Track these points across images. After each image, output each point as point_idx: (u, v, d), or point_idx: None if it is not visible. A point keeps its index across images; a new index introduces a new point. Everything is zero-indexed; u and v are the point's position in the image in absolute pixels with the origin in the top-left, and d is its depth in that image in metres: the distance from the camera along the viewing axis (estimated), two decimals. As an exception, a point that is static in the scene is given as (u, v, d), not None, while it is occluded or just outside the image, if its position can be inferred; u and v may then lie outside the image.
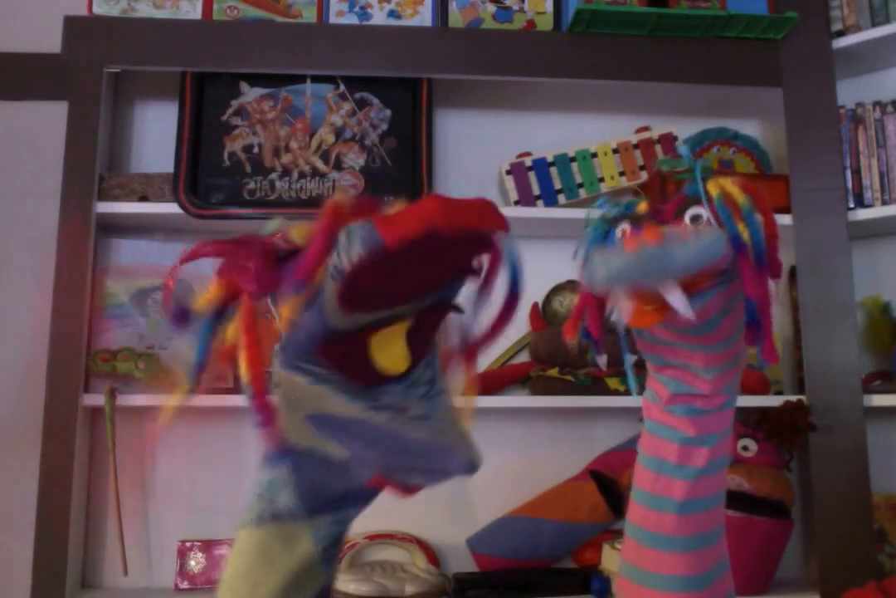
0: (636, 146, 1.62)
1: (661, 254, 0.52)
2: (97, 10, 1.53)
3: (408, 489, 0.53)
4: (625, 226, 0.61)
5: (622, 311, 0.58)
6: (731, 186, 0.58)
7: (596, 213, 0.64)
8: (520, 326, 1.64)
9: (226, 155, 1.55)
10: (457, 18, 1.58)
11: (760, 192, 0.59)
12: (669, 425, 0.64)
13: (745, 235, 0.56)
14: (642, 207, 0.62)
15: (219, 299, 0.47)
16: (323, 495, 0.54)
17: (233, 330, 0.47)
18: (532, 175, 1.59)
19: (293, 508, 0.54)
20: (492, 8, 1.59)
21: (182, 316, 0.48)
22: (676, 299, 0.54)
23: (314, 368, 0.48)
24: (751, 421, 1.48)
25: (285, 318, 0.45)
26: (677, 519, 0.62)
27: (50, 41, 1.53)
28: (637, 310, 0.58)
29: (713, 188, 0.58)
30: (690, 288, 0.56)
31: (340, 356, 0.47)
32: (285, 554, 0.54)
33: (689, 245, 0.52)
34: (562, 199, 1.59)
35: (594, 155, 1.61)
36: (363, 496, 0.55)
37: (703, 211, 0.58)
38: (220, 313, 0.48)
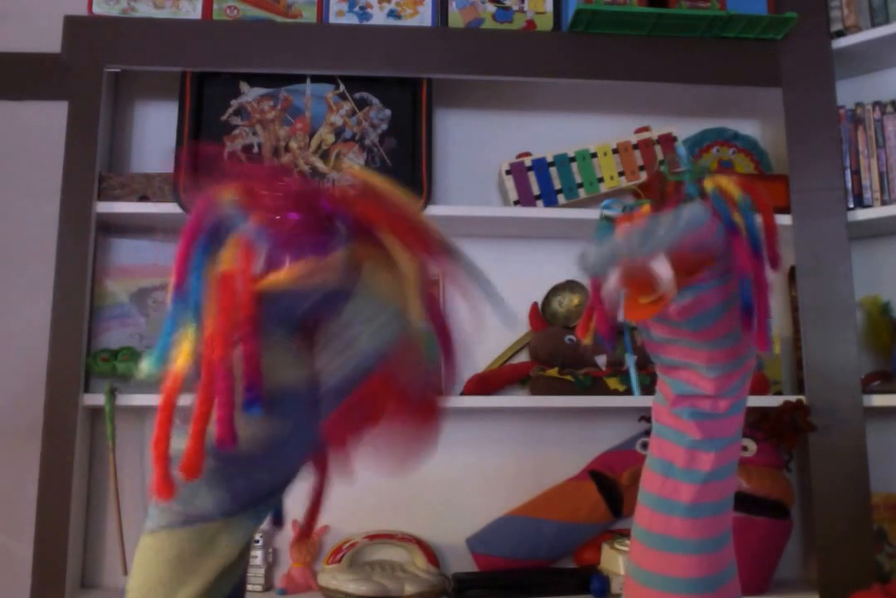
0: (636, 146, 1.62)
1: (646, 230, 0.54)
2: (97, 10, 1.53)
3: (361, 430, 0.49)
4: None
5: (616, 301, 0.60)
6: (727, 182, 0.59)
7: (602, 212, 0.66)
8: (520, 326, 1.64)
9: (226, 155, 1.55)
10: (457, 18, 1.58)
11: (759, 190, 0.59)
12: (676, 429, 0.64)
13: (739, 220, 0.57)
14: (645, 209, 0.63)
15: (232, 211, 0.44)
16: (246, 493, 0.51)
17: (229, 255, 0.44)
18: (532, 175, 1.59)
19: (211, 509, 0.50)
20: (492, 8, 1.59)
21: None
22: (662, 270, 0.55)
23: (285, 334, 0.47)
24: (750, 421, 1.48)
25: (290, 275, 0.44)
26: (685, 522, 0.63)
27: (50, 41, 1.53)
28: (632, 304, 0.60)
29: (709, 184, 0.59)
30: (685, 278, 0.57)
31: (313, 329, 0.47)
32: (200, 561, 0.50)
33: (673, 216, 0.54)
34: (561, 199, 1.59)
35: (594, 155, 1.61)
36: (286, 485, 0.52)
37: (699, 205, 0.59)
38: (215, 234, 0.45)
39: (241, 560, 0.52)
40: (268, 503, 0.52)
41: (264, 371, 0.46)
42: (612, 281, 0.59)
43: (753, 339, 0.59)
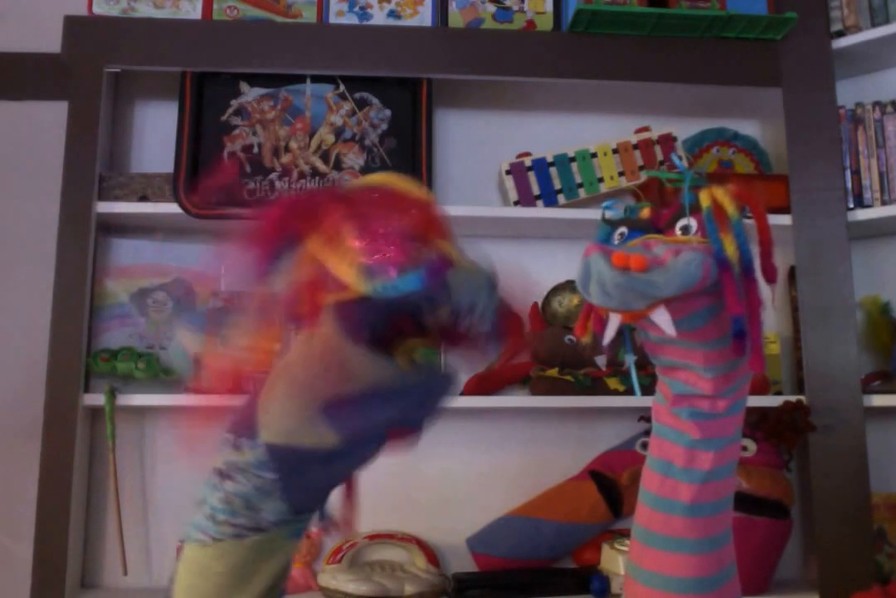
0: (636, 146, 1.62)
1: (644, 282, 0.55)
2: (97, 10, 1.53)
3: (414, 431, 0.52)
4: (623, 230, 0.64)
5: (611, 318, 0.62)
6: (722, 195, 0.59)
7: (604, 213, 0.67)
8: (519, 326, 1.64)
9: (226, 155, 1.55)
10: (457, 18, 1.58)
11: (755, 198, 0.60)
12: (676, 428, 0.64)
13: (730, 249, 0.58)
14: (645, 212, 0.64)
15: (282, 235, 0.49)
16: (312, 494, 0.52)
17: (300, 270, 0.49)
18: (532, 175, 1.59)
19: (281, 514, 0.51)
20: (492, 8, 1.59)
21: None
22: (663, 321, 0.58)
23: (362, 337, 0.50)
24: (750, 421, 1.48)
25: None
26: (685, 522, 0.63)
27: (50, 41, 1.53)
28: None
29: (705, 199, 0.60)
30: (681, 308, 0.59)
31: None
32: (264, 565, 0.52)
33: (669, 271, 0.56)
34: (561, 199, 1.59)
35: (594, 155, 1.61)
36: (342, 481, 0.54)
37: (692, 222, 0.61)
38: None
39: (289, 565, 0.54)
40: (320, 506, 0.54)
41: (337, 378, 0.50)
42: (613, 320, 0.61)
43: (747, 362, 0.60)
